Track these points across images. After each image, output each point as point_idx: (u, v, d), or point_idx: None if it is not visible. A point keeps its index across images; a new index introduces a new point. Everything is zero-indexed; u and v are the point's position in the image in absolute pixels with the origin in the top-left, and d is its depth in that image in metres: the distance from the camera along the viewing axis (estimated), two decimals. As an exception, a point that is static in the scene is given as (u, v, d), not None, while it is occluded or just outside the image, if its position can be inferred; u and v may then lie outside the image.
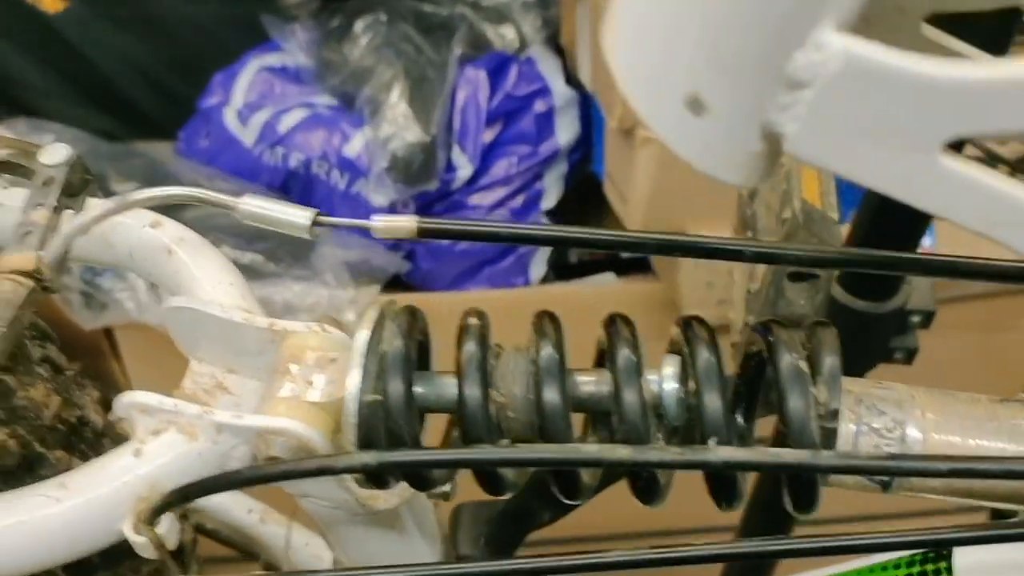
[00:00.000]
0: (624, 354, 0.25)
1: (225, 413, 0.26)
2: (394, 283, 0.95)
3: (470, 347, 0.25)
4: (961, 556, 0.32)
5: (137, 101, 1.08)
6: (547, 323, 0.26)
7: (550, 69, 1.02)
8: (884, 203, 0.45)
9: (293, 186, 1.00)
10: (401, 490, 0.31)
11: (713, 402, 0.24)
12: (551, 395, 0.24)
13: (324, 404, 0.26)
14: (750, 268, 0.49)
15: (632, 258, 1.14)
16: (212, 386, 0.30)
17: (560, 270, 1.12)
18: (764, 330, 0.25)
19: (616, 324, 0.26)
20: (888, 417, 0.24)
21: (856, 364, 0.65)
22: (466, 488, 0.28)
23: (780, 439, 0.24)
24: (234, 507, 0.45)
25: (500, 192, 1.02)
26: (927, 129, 0.15)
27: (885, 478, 0.23)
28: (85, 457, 0.38)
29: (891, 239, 0.49)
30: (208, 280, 0.30)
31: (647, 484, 0.24)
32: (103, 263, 0.31)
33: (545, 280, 1.06)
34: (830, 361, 0.24)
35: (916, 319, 0.60)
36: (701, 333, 0.25)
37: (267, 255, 0.92)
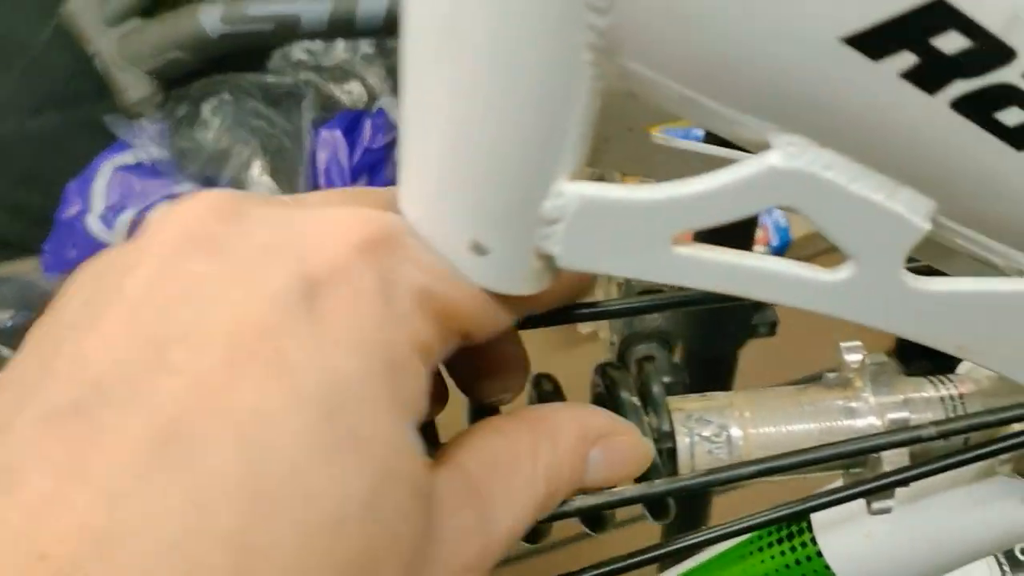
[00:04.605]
0: None
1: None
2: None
3: None
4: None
5: (-9, 225, 1.06)
6: None
7: (401, 117, 1.06)
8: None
9: (173, 278, 1.00)
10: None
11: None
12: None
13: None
14: (606, 292, 0.54)
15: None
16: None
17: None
18: (603, 374, 0.29)
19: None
20: (714, 424, 0.29)
21: (729, 345, 0.71)
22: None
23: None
24: None
25: (378, 243, 1.05)
26: (653, 234, 0.19)
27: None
28: None
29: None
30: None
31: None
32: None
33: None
34: (656, 390, 0.28)
35: (767, 296, 0.67)
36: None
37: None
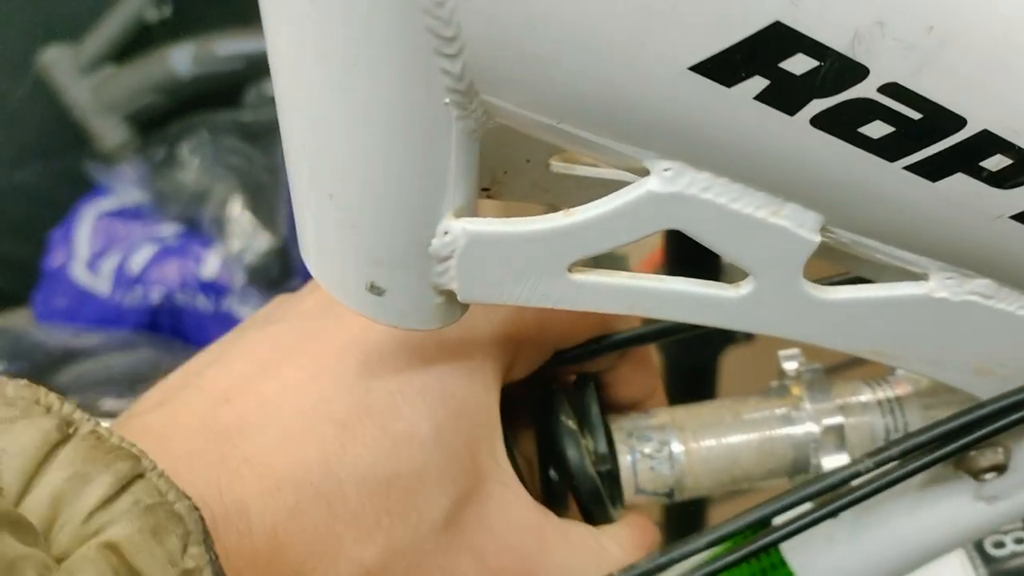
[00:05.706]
0: None
1: None
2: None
3: None
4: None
5: (-19, 277, 1.07)
6: None
7: (378, 145, 1.07)
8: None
9: (162, 321, 1.01)
10: None
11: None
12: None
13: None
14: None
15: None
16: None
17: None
18: (540, 398, 0.29)
19: None
20: (655, 440, 0.29)
21: (708, 352, 0.71)
22: None
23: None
24: None
25: (362, 271, 1.05)
26: (546, 263, 0.20)
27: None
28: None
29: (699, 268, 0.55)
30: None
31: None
32: None
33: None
34: (594, 412, 0.28)
35: (740, 302, 0.67)
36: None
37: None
